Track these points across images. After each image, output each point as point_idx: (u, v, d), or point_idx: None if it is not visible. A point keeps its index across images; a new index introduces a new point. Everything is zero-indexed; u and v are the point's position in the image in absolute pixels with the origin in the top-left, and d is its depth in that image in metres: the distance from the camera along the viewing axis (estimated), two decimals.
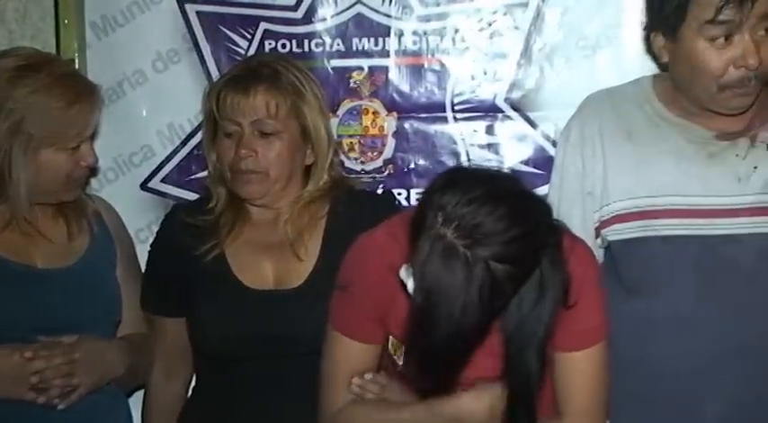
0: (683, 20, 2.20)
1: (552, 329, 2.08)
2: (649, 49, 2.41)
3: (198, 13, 3.00)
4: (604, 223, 2.37)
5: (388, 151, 3.00)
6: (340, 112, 2.99)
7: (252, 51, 2.99)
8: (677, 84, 2.33)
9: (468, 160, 2.95)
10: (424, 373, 2.06)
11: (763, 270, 2.30)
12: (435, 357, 1.96)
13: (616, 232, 2.36)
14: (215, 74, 2.97)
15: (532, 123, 2.93)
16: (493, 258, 1.88)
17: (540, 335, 2.06)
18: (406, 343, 2.07)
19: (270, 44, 3.00)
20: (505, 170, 2.22)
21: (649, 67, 2.67)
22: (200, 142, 2.76)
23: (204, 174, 2.68)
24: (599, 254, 2.41)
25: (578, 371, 2.18)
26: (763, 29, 2.18)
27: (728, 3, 2.14)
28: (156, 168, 3.03)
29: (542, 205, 2.07)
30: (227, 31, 3.01)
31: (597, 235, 2.39)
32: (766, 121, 2.33)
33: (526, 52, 2.92)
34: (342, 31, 2.98)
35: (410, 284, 1.93)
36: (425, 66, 2.96)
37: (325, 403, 2.25)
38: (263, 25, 3.00)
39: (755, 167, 2.30)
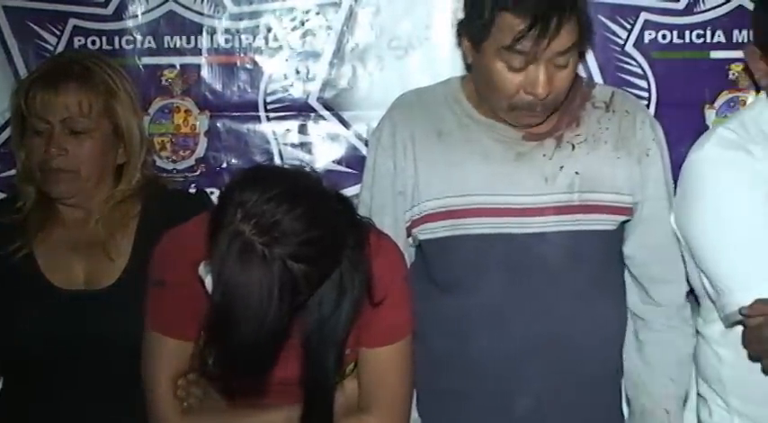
0: (486, 37, 2.27)
1: (350, 330, 2.14)
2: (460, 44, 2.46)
3: (4, 7, 2.98)
4: (416, 223, 2.44)
5: (201, 150, 3.02)
6: (151, 110, 3.00)
7: (61, 48, 2.97)
8: (476, 87, 2.42)
9: (281, 159, 2.98)
10: (229, 374, 2.09)
11: (568, 268, 2.42)
12: (237, 357, 1.97)
13: (427, 231, 2.43)
14: (23, 71, 2.94)
15: (345, 123, 2.99)
16: (290, 257, 1.92)
17: (338, 335, 2.12)
18: (206, 342, 2.07)
19: (80, 41, 2.99)
20: (308, 169, 2.25)
21: (460, 68, 2.75)
22: (7, 140, 2.77)
23: (12, 172, 2.67)
24: (410, 253, 2.49)
25: (382, 366, 2.26)
26: (557, 62, 2.27)
27: (526, 36, 2.21)
28: None
29: (344, 204, 2.14)
30: (36, 27, 2.99)
31: (409, 234, 2.47)
32: (572, 122, 2.44)
33: (339, 52, 2.98)
34: (153, 29, 2.99)
35: (208, 281, 1.95)
36: (238, 64, 2.99)
37: (152, 409, 2.26)
38: (72, 21, 2.98)
39: (561, 167, 2.41)
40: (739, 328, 2.27)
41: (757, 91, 2.83)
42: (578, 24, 2.27)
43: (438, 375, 2.47)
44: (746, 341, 2.23)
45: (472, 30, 2.30)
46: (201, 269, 1.98)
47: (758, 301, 2.17)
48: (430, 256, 2.47)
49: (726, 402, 2.41)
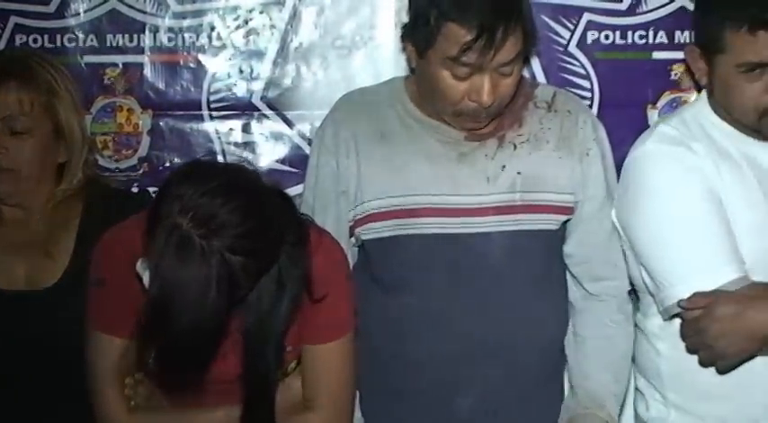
0: (431, 46, 2.27)
1: (293, 324, 2.16)
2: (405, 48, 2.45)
3: None
4: (359, 222, 2.46)
5: (143, 149, 3.02)
6: (94, 109, 3.00)
7: (2, 46, 2.97)
8: (420, 90, 2.44)
9: (225, 159, 2.98)
10: (167, 371, 2.08)
11: (510, 267, 2.44)
12: (176, 352, 1.97)
13: (371, 231, 2.45)
14: None
15: (289, 122, 3.00)
16: (228, 249, 1.92)
17: (277, 331, 2.14)
18: (142, 339, 2.06)
19: (21, 39, 2.99)
20: (246, 165, 2.25)
21: (403, 68, 2.78)
22: None
23: None
24: (353, 252, 2.51)
25: (325, 363, 2.28)
26: (502, 71, 2.29)
27: (472, 48, 2.22)
28: None
29: (284, 201, 2.15)
30: None
31: (351, 234, 2.49)
32: (515, 122, 2.46)
33: (282, 51, 2.98)
34: (95, 27, 2.98)
35: (146, 277, 1.95)
36: (181, 63, 2.99)
37: (98, 408, 2.26)
38: (13, 19, 2.98)
39: (504, 167, 2.43)
40: (677, 322, 2.32)
41: (698, 91, 2.88)
42: (523, 33, 2.29)
43: (381, 375, 2.49)
44: (684, 334, 2.29)
45: (417, 37, 2.31)
46: (139, 265, 1.97)
47: (696, 294, 2.22)
48: (373, 255, 2.49)
49: (663, 396, 2.45)
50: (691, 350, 2.31)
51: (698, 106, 2.46)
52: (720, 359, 2.25)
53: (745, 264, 2.26)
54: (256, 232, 1.98)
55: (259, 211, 2.00)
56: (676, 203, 2.31)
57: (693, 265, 2.26)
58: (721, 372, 2.29)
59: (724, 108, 2.38)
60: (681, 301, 2.24)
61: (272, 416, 2.20)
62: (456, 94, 2.31)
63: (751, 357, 2.26)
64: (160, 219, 1.94)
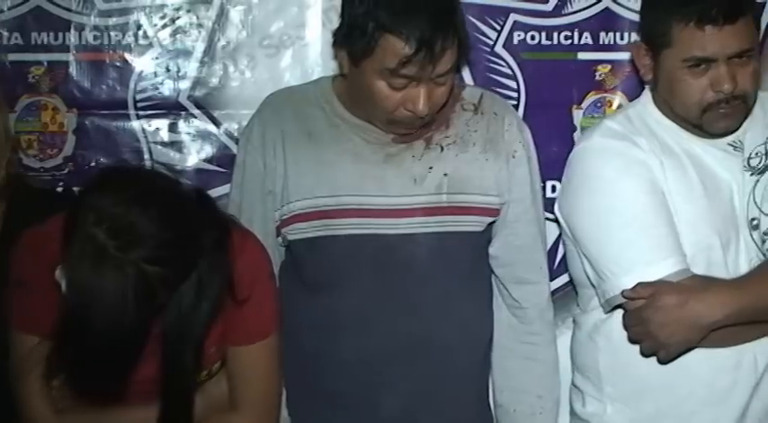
0: (368, 57, 2.28)
1: (215, 326, 2.17)
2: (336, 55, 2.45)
3: None
4: (285, 222, 2.47)
5: (69, 148, 3.00)
6: (18, 107, 2.97)
7: None
8: (351, 95, 2.46)
9: (151, 158, 2.98)
10: (85, 379, 2.07)
11: (436, 268, 2.47)
12: (94, 362, 1.96)
13: (297, 231, 2.46)
14: None
15: (216, 121, 3.00)
16: (145, 260, 1.92)
17: (196, 334, 2.14)
18: (58, 347, 2.04)
19: None
20: (163, 169, 2.23)
21: (331, 68, 2.81)
22: None
23: None
24: (280, 252, 2.53)
25: (249, 364, 2.29)
26: (438, 81, 2.31)
27: (412, 61, 2.24)
28: None
29: (204, 203, 2.16)
30: None
31: (278, 233, 2.50)
32: (442, 124, 2.49)
33: (210, 50, 2.98)
34: (20, 25, 2.96)
35: (64, 285, 1.94)
36: (107, 62, 2.97)
37: (23, 409, 2.25)
38: None
39: (430, 168, 2.46)
40: (616, 316, 2.38)
41: (623, 92, 2.98)
42: (459, 42, 2.32)
43: (307, 375, 2.51)
44: (627, 324, 2.34)
45: (353, 46, 2.32)
46: (58, 273, 1.96)
47: (640, 284, 2.28)
48: (299, 255, 2.50)
49: (600, 391, 2.50)
50: (633, 341, 2.35)
51: (642, 103, 2.52)
52: (663, 349, 2.30)
53: (686, 256, 2.32)
54: (174, 241, 1.98)
55: (176, 220, 2.00)
56: (620, 196, 2.36)
57: (637, 257, 2.32)
58: (662, 362, 2.34)
59: (668, 104, 2.43)
60: (624, 291, 2.30)
61: (189, 417, 2.20)
62: (391, 104, 2.33)
63: (691, 349, 2.31)
64: (76, 229, 1.93)
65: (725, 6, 2.28)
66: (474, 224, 2.50)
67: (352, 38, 2.31)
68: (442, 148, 2.48)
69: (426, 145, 2.48)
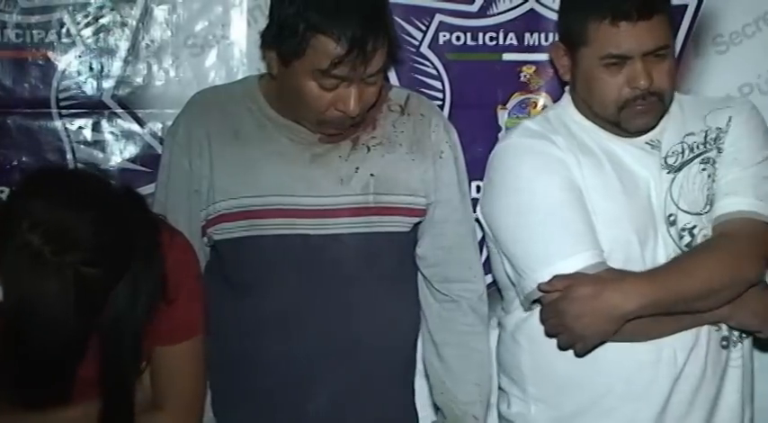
0: (298, 57, 2.30)
1: (147, 325, 2.18)
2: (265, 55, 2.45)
3: None
4: (211, 222, 2.47)
5: None
6: None
7: None
8: (281, 95, 2.46)
9: (74, 158, 2.97)
10: (28, 383, 2.07)
11: (363, 269, 2.49)
12: (37, 366, 1.97)
13: (223, 231, 2.47)
14: None
15: (140, 121, 2.99)
16: (82, 263, 1.94)
17: (134, 332, 2.16)
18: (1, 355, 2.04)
19: None
20: (94, 170, 2.22)
21: (256, 67, 2.83)
22: None
23: None
24: (205, 252, 2.53)
25: (175, 364, 2.31)
26: (368, 81, 2.34)
27: (344, 62, 2.27)
28: None
29: (135, 203, 2.17)
30: None
31: (204, 233, 2.50)
32: (368, 125, 2.51)
33: (134, 49, 2.98)
34: None
35: (1, 293, 1.94)
36: (29, 60, 2.96)
37: None
38: None
39: (357, 169, 2.48)
40: (536, 315, 2.41)
41: (548, 93, 3.03)
42: (389, 43, 2.34)
43: (233, 375, 2.51)
44: (544, 317, 2.37)
45: (283, 47, 2.33)
46: None
47: (555, 277, 2.31)
48: (225, 255, 2.50)
49: (524, 391, 2.53)
50: (550, 334, 2.38)
51: (562, 104, 2.56)
52: (579, 341, 2.33)
53: (603, 251, 2.36)
54: (109, 242, 1.99)
55: (111, 221, 2.01)
56: (538, 193, 2.39)
57: (554, 251, 2.35)
58: (579, 355, 2.37)
59: (585, 102, 2.47)
60: (541, 284, 2.33)
61: (130, 414, 2.21)
62: (322, 105, 2.34)
63: (606, 341, 2.35)
64: (10, 235, 1.93)
65: (639, 2, 2.32)
66: (400, 225, 2.52)
67: (282, 38, 2.32)
68: (369, 149, 2.50)
69: (353, 145, 2.50)
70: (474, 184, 2.85)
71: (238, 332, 2.50)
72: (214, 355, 2.43)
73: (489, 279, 2.73)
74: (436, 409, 2.71)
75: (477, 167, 2.69)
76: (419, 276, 2.66)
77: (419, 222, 2.57)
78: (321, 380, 2.49)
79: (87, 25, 2.98)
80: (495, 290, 2.70)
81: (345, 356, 2.49)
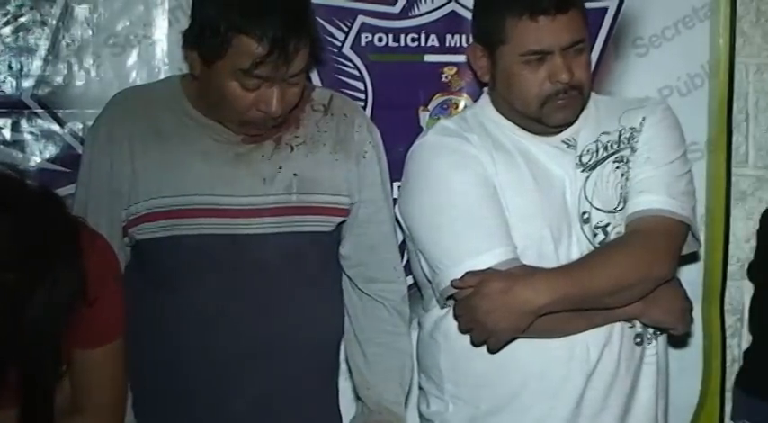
0: (221, 58, 2.31)
1: (67, 329, 2.16)
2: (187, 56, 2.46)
3: None
4: (133, 222, 2.48)
5: None
6: None
7: None
8: (203, 95, 2.47)
9: None
10: None
11: (286, 269, 2.51)
12: None
13: (145, 231, 2.47)
14: None
15: (60, 121, 2.97)
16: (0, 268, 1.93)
17: (54, 335, 2.14)
18: None
19: None
20: (10, 171, 2.21)
21: (178, 67, 2.84)
22: None
23: None
24: (126, 253, 2.53)
25: (95, 367, 2.30)
26: (291, 81, 2.36)
27: (265, 62, 2.28)
28: None
29: (54, 204, 2.16)
30: None
31: (125, 234, 2.50)
32: (291, 124, 2.53)
33: (54, 48, 2.96)
34: None
35: None
36: None
37: None
38: None
39: (280, 168, 2.49)
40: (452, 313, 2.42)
41: (469, 94, 3.05)
42: (311, 43, 2.37)
43: (155, 376, 2.52)
44: (457, 313, 2.39)
45: (204, 48, 2.34)
46: None
47: (468, 274, 2.34)
48: (148, 255, 2.51)
49: (441, 390, 2.55)
50: (463, 330, 2.40)
51: (480, 104, 2.59)
52: (491, 336, 2.36)
53: (516, 247, 2.39)
54: (27, 246, 1.98)
55: (29, 224, 2.00)
56: (452, 190, 2.42)
57: (467, 248, 2.37)
58: (492, 351, 2.39)
59: (506, 101, 2.49)
60: (454, 280, 2.35)
61: (50, 418, 2.20)
62: (244, 105, 2.36)
63: (518, 337, 2.38)
64: None
65: None
66: (323, 224, 2.55)
67: (203, 39, 2.33)
68: (292, 149, 2.52)
69: (276, 145, 2.51)
70: (396, 184, 2.85)
71: (161, 332, 2.50)
72: (136, 355, 2.42)
73: (411, 280, 2.75)
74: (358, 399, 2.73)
75: (398, 168, 2.70)
76: (343, 276, 2.67)
77: (342, 222, 2.59)
78: (242, 380, 2.50)
79: (6, 24, 2.97)
80: (415, 291, 2.72)
81: (268, 357, 2.50)
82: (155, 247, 2.49)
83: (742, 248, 3.20)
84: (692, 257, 2.96)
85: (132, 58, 3.01)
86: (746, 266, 3.09)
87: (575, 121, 2.50)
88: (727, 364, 3.23)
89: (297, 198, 2.51)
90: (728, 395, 3.11)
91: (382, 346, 2.65)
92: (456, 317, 2.40)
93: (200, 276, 2.48)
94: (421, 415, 2.67)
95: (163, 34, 2.99)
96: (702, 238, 2.76)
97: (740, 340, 3.30)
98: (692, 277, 3.05)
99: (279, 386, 2.53)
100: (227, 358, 2.49)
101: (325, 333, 2.64)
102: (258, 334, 2.49)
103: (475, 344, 2.40)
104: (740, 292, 3.27)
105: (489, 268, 2.34)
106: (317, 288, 2.58)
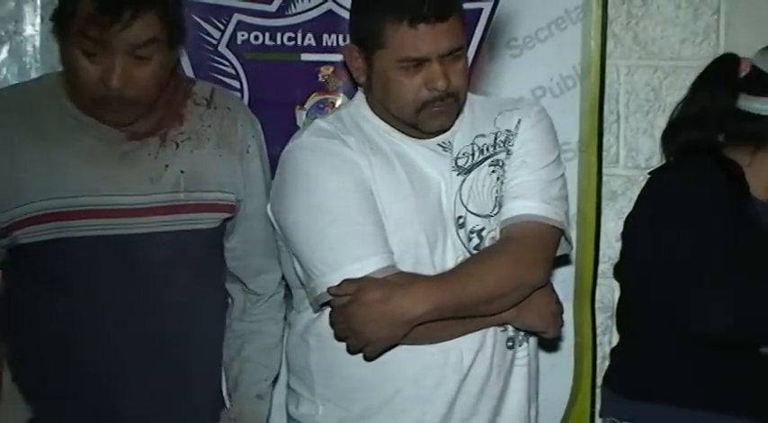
0: (67, 24, 2.31)
1: None
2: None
3: None
4: (17, 225, 2.43)
5: None
6: None
7: None
8: (68, 84, 2.44)
9: None
10: None
11: (175, 267, 2.51)
12: None
13: (32, 234, 2.43)
14: None
15: None
16: None
17: None
18: None
19: None
20: None
21: (50, 65, 2.87)
22: None
23: None
24: (1, 254, 2.50)
25: None
26: (137, 53, 2.34)
27: (96, 21, 2.28)
28: None
29: None
30: None
31: (5, 236, 2.46)
32: (175, 120, 2.53)
33: None
34: None
35: None
36: None
37: None
38: None
39: (167, 166, 2.49)
40: (326, 316, 2.43)
41: (345, 94, 3.10)
42: (160, 19, 2.35)
43: (45, 377, 2.51)
44: (333, 321, 2.40)
45: (57, 19, 2.35)
46: None
47: (345, 281, 2.34)
48: (36, 258, 2.47)
49: (312, 392, 2.55)
50: (339, 338, 2.41)
51: (355, 104, 2.58)
52: (368, 345, 2.37)
53: (393, 254, 2.40)
54: None
55: None
56: (329, 194, 2.41)
57: (343, 254, 2.37)
58: (368, 358, 2.41)
59: (382, 104, 2.49)
60: (330, 287, 2.35)
61: None
62: (90, 79, 2.34)
63: (395, 345, 2.40)
64: None
65: (435, 5, 2.35)
66: (210, 221, 2.57)
67: (57, 12, 2.35)
68: (178, 145, 2.52)
69: (162, 142, 2.51)
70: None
71: (49, 336, 2.49)
72: (28, 357, 2.43)
73: None
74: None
75: (274, 167, 2.68)
76: (228, 274, 2.71)
77: (228, 218, 2.61)
78: (133, 381, 2.50)
79: None
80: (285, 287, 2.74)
81: (159, 357, 2.51)
82: (43, 250, 2.45)
83: (613, 248, 3.25)
84: (565, 259, 3.02)
85: (2, 55, 3.01)
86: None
87: (451, 126, 2.51)
88: (598, 361, 3.32)
89: (184, 196, 2.51)
90: (599, 392, 3.17)
91: (248, 332, 2.72)
92: (332, 324, 2.41)
93: (89, 277, 2.46)
94: (289, 416, 2.66)
95: (35, 30, 2.99)
96: (574, 237, 2.81)
97: (611, 338, 3.39)
98: (564, 277, 3.15)
99: (169, 385, 2.54)
100: (116, 358, 2.48)
101: (213, 331, 2.69)
102: (148, 334, 2.50)
103: (351, 352, 2.41)
104: (611, 290, 3.36)
105: (366, 276, 2.35)
106: (206, 286, 2.62)
